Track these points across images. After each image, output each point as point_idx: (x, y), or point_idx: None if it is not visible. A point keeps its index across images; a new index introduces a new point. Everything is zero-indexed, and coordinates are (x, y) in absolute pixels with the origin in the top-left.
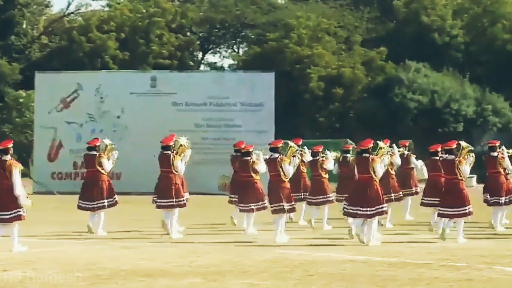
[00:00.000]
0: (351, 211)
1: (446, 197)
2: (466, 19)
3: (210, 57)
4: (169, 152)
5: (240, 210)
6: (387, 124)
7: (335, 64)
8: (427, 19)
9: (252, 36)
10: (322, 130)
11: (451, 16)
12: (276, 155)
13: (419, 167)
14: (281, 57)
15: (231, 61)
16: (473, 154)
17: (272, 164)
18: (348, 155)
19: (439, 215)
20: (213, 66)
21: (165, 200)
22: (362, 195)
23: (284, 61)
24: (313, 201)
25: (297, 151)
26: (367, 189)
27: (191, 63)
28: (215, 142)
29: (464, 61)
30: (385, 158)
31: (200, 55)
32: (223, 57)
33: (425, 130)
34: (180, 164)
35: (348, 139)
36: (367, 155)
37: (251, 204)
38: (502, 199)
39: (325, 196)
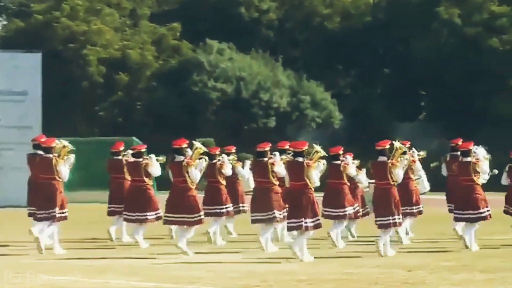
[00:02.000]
0: (291, 225)
1: (379, 206)
2: None
3: None
4: (50, 155)
5: (125, 220)
6: (183, 119)
7: (119, 44)
8: None
9: (13, 7)
10: (102, 126)
11: None
12: (181, 157)
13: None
14: (50, 34)
15: None
16: (407, 157)
17: (177, 168)
18: (231, 156)
19: (379, 226)
20: None
21: (47, 211)
22: (295, 206)
23: (54, 38)
24: (210, 211)
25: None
26: (301, 198)
27: None
28: None
29: (276, 41)
30: (321, 164)
31: None
32: None
33: (230, 126)
34: (64, 169)
35: (134, 137)
36: (301, 159)
37: (137, 214)
38: (414, 208)
39: (223, 207)
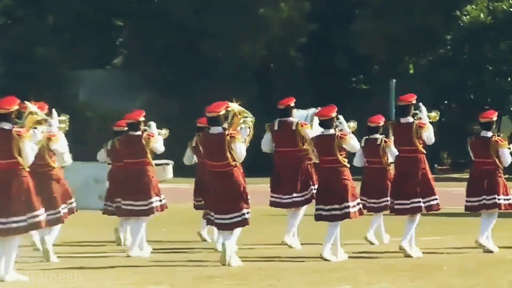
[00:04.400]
0: (123, 207)
1: (219, 197)
2: None
3: None
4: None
5: None
6: None
7: None
8: None
9: None
10: None
11: None
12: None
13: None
14: None
15: None
16: (251, 121)
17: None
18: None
19: (219, 227)
20: None
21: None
22: (132, 187)
23: None
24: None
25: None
26: (138, 178)
27: None
28: None
29: None
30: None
31: None
32: None
33: None
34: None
35: None
36: (135, 132)
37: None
38: None
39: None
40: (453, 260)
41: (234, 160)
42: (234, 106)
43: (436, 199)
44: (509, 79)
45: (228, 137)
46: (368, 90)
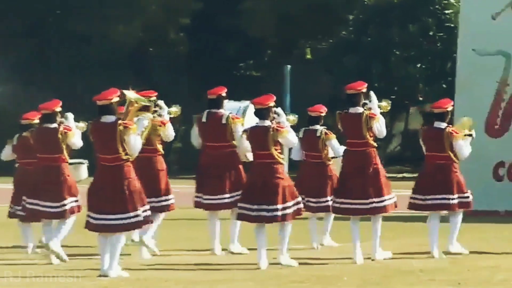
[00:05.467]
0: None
1: (105, 198)
2: None
3: None
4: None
5: None
6: None
7: None
8: None
9: None
10: None
11: None
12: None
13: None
14: None
15: None
16: (175, 111)
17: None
18: None
19: (111, 229)
20: None
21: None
22: (43, 186)
23: None
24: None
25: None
26: (52, 176)
27: None
28: None
29: None
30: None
31: None
32: None
33: None
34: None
35: None
36: (50, 125)
37: None
38: (164, 200)
39: None
40: (355, 269)
41: (126, 154)
42: (130, 94)
43: (390, 198)
44: (418, 65)
45: (121, 127)
46: (258, 77)
